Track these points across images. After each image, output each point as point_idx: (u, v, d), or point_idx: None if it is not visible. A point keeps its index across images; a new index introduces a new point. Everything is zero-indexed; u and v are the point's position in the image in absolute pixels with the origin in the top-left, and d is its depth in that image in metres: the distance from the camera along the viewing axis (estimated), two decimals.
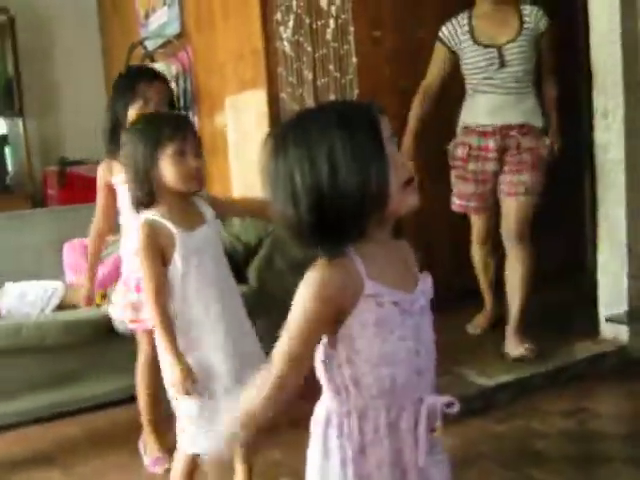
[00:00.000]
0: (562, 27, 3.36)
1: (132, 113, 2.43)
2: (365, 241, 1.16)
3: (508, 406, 2.77)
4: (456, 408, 1.23)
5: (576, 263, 4.34)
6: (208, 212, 2.00)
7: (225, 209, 2.16)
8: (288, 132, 1.17)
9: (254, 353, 1.97)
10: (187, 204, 1.97)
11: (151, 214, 1.90)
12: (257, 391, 1.20)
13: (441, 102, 3.24)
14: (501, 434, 2.57)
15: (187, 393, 1.85)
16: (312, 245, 1.16)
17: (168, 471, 2.15)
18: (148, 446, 2.56)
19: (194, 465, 1.98)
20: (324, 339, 1.21)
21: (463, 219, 3.35)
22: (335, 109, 1.19)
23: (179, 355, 1.85)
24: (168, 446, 2.40)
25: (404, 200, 1.16)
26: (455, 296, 3.30)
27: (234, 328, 1.95)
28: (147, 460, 2.54)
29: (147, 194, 1.90)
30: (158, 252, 1.87)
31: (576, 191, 4.45)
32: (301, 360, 1.19)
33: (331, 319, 1.17)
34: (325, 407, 1.26)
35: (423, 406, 1.22)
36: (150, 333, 2.22)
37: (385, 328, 1.18)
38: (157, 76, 2.59)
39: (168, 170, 1.88)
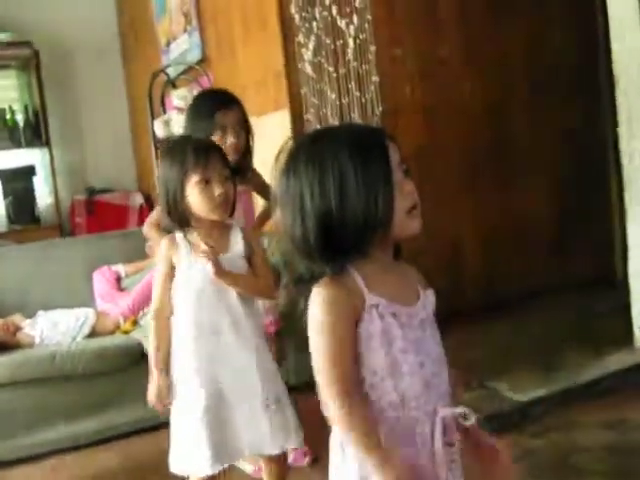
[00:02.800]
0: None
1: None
2: (366, 260, 1.20)
3: (543, 420, 2.73)
4: (472, 420, 1.24)
5: (606, 271, 4.29)
6: (237, 245, 1.98)
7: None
8: (301, 151, 1.22)
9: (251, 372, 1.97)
10: (219, 231, 1.97)
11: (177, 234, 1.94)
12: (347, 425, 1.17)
13: (454, 118, 3.12)
14: (538, 448, 2.53)
15: (161, 408, 1.95)
16: (316, 261, 1.19)
17: None
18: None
19: None
20: None
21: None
22: (347, 134, 1.23)
23: (161, 371, 1.92)
24: None
25: (407, 226, 1.21)
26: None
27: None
28: None
29: (178, 219, 1.92)
30: (170, 270, 1.92)
31: (604, 198, 4.41)
32: (349, 368, 1.18)
33: (352, 324, 1.19)
34: None
35: (437, 418, 1.22)
36: None
37: (386, 340, 1.20)
38: (233, 101, 2.45)
39: (193, 198, 1.90)
